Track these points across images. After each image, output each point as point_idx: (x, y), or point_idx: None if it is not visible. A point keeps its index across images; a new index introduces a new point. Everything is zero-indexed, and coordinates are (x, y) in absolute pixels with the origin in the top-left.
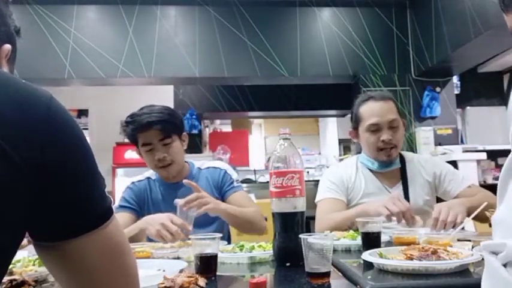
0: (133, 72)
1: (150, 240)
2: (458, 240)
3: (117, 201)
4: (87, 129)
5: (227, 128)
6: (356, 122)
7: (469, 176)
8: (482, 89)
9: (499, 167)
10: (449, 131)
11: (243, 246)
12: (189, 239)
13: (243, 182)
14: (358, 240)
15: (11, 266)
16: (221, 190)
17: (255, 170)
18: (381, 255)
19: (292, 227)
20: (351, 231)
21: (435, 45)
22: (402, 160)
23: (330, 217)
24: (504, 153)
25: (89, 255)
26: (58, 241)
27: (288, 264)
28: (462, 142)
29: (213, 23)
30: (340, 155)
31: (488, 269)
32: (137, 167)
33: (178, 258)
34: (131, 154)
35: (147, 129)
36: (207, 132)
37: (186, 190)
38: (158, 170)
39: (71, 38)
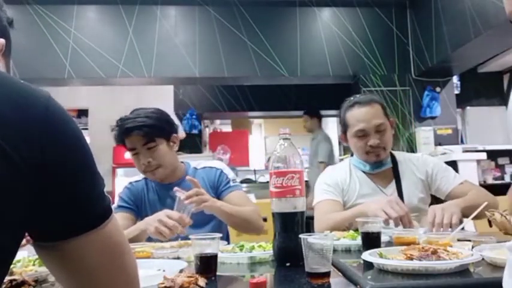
0: (133, 72)
1: (149, 239)
2: (458, 240)
3: (114, 201)
4: (87, 129)
5: (227, 128)
6: (344, 127)
7: (469, 176)
8: (482, 89)
9: (499, 167)
10: (449, 131)
11: (243, 246)
12: (189, 238)
13: (243, 182)
14: (358, 240)
15: (11, 266)
16: (217, 190)
17: (255, 170)
18: (381, 255)
19: (292, 227)
20: (351, 231)
21: (435, 45)
22: (394, 160)
23: (329, 217)
24: (504, 153)
25: (88, 254)
26: (58, 241)
27: (288, 264)
28: (462, 142)
29: (213, 23)
30: (340, 155)
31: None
32: None
33: (178, 258)
34: None
35: (130, 135)
36: (207, 132)
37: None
38: (146, 174)
39: (71, 38)
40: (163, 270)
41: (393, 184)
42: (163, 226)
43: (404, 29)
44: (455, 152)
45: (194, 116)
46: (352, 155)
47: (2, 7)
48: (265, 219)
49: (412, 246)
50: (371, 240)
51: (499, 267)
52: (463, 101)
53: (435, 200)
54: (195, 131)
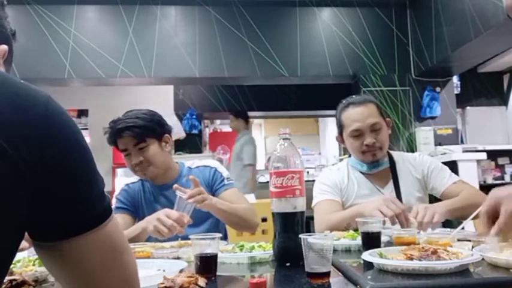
0: (133, 72)
1: (149, 239)
2: (458, 240)
3: (112, 202)
4: (87, 129)
5: (227, 128)
6: (340, 128)
7: (469, 176)
8: (482, 89)
9: (499, 167)
10: (449, 131)
11: (243, 246)
12: (189, 238)
13: None
14: (358, 240)
15: (11, 266)
16: (212, 188)
17: None
18: (381, 255)
19: (292, 227)
20: (351, 231)
21: (435, 45)
22: (391, 160)
23: (328, 218)
24: (504, 153)
25: (88, 254)
26: (58, 241)
27: (288, 264)
28: (462, 142)
29: (213, 23)
30: (340, 155)
31: None
32: None
33: (178, 258)
34: None
35: (120, 136)
36: (207, 132)
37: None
38: (137, 173)
39: (71, 38)
40: (164, 270)
41: (391, 184)
42: (162, 225)
43: (404, 29)
44: (455, 152)
45: (194, 116)
46: (350, 156)
47: (7, 18)
48: (265, 219)
49: (412, 246)
50: (371, 240)
51: (499, 267)
52: (463, 101)
53: (434, 200)
54: (195, 131)
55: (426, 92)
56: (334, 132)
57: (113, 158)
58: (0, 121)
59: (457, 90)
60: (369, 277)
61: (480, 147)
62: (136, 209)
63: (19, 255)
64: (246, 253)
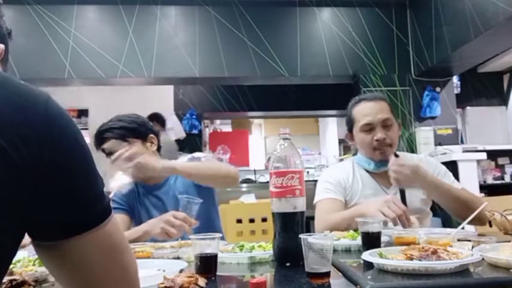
0: (133, 72)
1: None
2: (458, 240)
3: None
4: (87, 129)
5: (227, 128)
6: (350, 124)
7: (469, 176)
8: (482, 89)
9: (499, 167)
10: (449, 131)
11: (243, 246)
12: (189, 238)
13: (243, 182)
14: (358, 240)
15: (11, 266)
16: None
17: (255, 170)
18: (381, 255)
19: (292, 227)
20: (351, 231)
21: (435, 45)
22: None
23: (328, 218)
24: (504, 153)
25: (88, 254)
26: (57, 240)
27: (288, 264)
28: (462, 142)
29: (213, 23)
30: (340, 155)
31: None
32: None
33: (178, 258)
34: None
35: (104, 139)
36: (207, 132)
37: (165, 191)
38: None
39: (71, 38)
40: (164, 270)
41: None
42: (170, 226)
43: (404, 29)
44: (455, 152)
45: (194, 116)
46: (354, 154)
47: (2, 16)
48: (265, 219)
49: (412, 246)
50: (371, 240)
51: (499, 267)
52: (463, 101)
53: (437, 204)
54: (195, 131)
55: (426, 92)
56: (334, 132)
57: None
58: (0, 121)
59: (457, 90)
60: (369, 277)
61: (480, 147)
62: (132, 209)
63: (19, 255)
64: (246, 253)
